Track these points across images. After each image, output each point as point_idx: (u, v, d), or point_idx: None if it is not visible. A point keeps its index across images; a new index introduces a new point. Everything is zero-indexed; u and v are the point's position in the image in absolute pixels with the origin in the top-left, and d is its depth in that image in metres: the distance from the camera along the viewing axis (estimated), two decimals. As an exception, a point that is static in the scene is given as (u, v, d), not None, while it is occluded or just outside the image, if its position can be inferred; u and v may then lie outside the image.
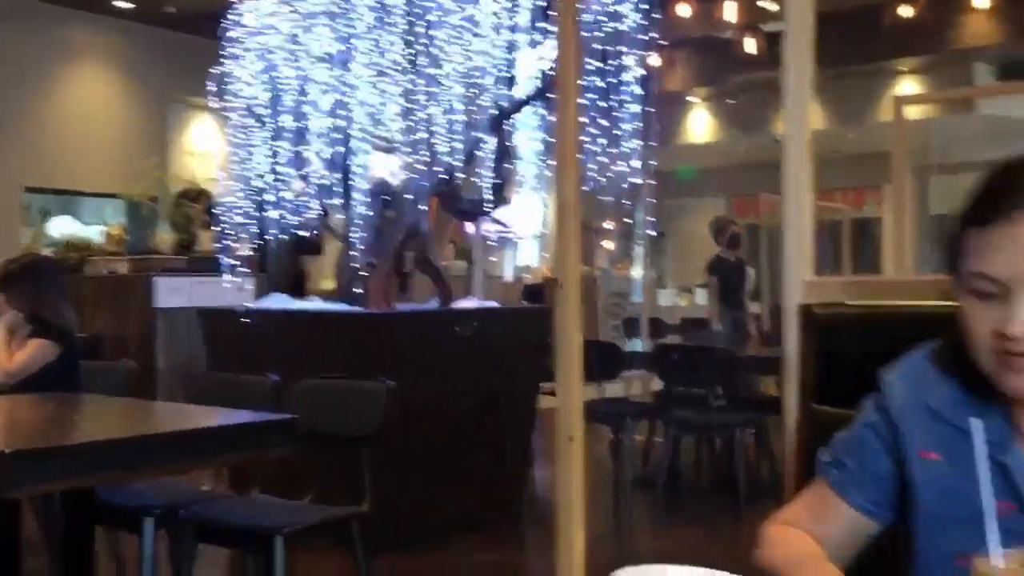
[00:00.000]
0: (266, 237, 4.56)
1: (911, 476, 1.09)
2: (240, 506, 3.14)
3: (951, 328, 1.09)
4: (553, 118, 3.11)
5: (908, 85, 10.69)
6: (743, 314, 7.09)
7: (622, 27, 4.46)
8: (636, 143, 4.51)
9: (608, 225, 13.90)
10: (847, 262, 8.50)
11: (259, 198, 4.50)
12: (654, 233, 14.55)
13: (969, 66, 10.18)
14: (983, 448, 0.80)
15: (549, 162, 4.63)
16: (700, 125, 12.42)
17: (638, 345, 6.85)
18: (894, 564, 1.18)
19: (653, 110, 4.71)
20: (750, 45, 7.67)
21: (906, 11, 7.69)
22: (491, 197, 4.57)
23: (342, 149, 4.32)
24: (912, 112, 10.48)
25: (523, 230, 7.42)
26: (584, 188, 5.21)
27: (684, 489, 5.51)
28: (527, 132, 4.86)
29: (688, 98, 12.13)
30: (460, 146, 4.34)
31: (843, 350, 1.68)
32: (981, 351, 1.04)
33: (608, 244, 14.66)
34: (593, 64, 4.41)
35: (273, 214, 4.48)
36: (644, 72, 4.68)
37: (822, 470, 1.20)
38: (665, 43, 9.80)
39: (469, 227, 7.02)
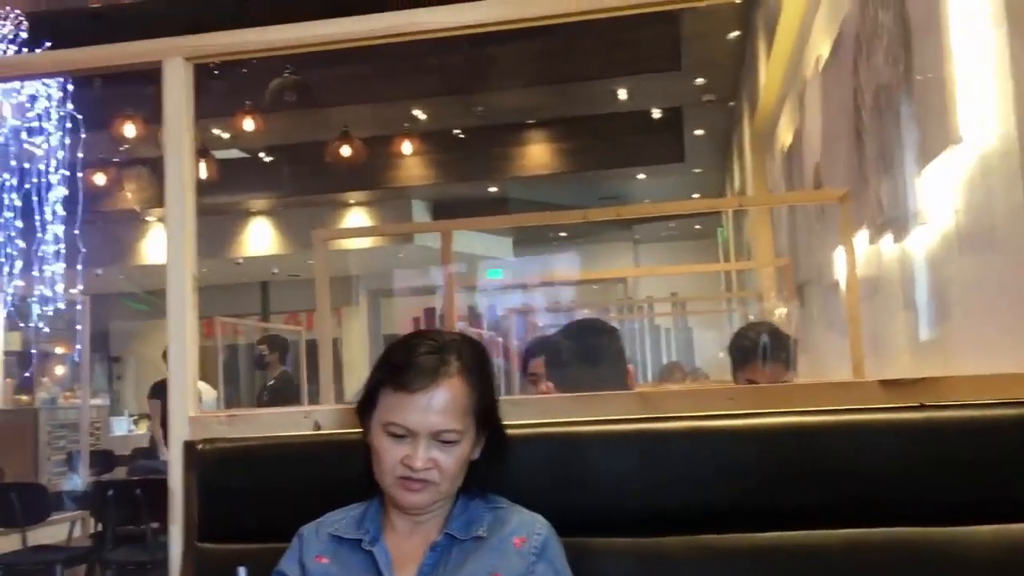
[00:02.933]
0: None
1: (309, 573, 1.42)
2: None
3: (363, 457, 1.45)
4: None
5: (357, 215, 11.57)
6: None
7: (46, 143, 4.20)
8: (61, 264, 4.22)
9: (58, 350, 12.70)
10: (303, 382, 8.75)
11: None
12: (100, 357, 13.64)
13: (408, 201, 11.37)
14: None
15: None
16: (160, 244, 12.08)
17: (77, 483, 6.25)
18: None
19: (98, 227, 4.47)
20: (200, 170, 7.70)
21: (346, 151, 8.37)
22: None
23: None
24: (362, 242, 11.37)
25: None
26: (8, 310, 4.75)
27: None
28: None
29: (147, 218, 11.77)
30: None
31: (225, 484, 1.70)
32: (387, 475, 1.40)
33: (58, 370, 13.35)
34: (10, 180, 4.08)
35: None
36: (76, 190, 4.44)
37: None
38: (114, 161, 9.49)
39: None
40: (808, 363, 4.56)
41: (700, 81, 7.83)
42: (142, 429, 11.77)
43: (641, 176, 10.84)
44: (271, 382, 6.93)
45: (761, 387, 1.62)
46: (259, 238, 12.07)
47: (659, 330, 10.16)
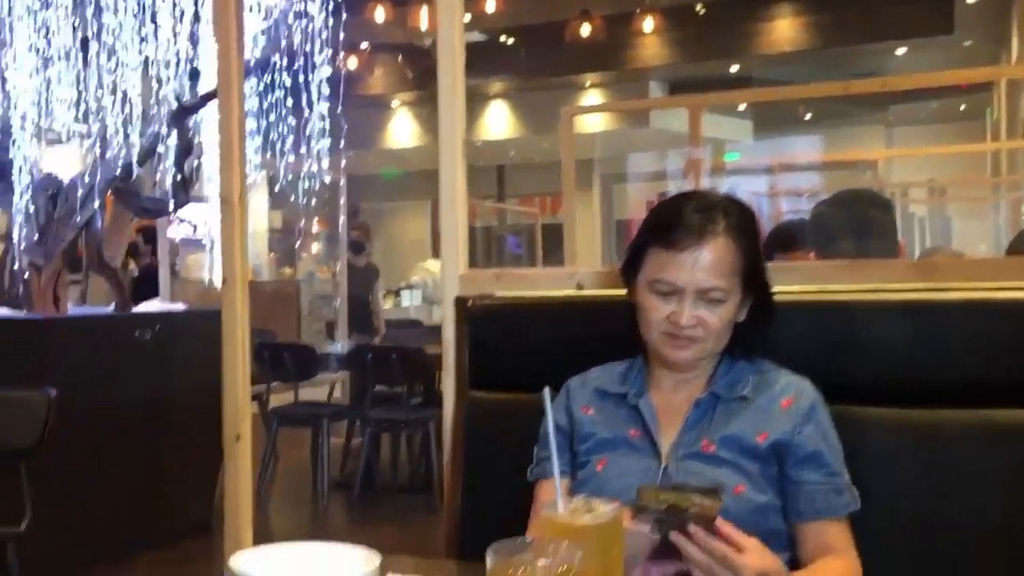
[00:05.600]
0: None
1: (577, 425, 1.48)
2: None
3: (626, 314, 1.48)
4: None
5: (593, 98, 11.49)
6: (371, 315, 7.92)
7: (311, 27, 4.43)
8: (326, 143, 4.50)
9: (314, 228, 13.72)
10: (539, 263, 8.99)
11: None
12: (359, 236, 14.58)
13: (645, 83, 11.13)
14: (551, 412, 0.93)
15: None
16: (404, 129, 12.61)
17: (338, 347, 6.83)
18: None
19: (349, 111, 4.72)
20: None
21: (586, 30, 8.26)
22: (174, 195, 4.36)
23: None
24: (598, 125, 11.32)
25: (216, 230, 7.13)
26: (278, 188, 5.16)
27: (381, 488, 5.56)
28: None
29: (392, 102, 12.28)
30: (138, 140, 4.11)
31: (494, 337, 1.80)
32: (653, 332, 1.42)
33: (314, 246, 14.46)
34: (281, 62, 4.36)
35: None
36: (337, 73, 4.68)
37: (534, 476, 1.50)
38: (364, 47, 9.89)
39: (167, 229, 6.65)
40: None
41: (977, -61, 7.03)
42: (389, 304, 12.60)
43: (900, 51, 9.98)
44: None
45: (1061, 257, 1.49)
46: (496, 121, 12.30)
47: (912, 219, 9.50)
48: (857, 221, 1.99)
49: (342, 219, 6.30)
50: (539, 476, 1.49)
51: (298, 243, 8.46)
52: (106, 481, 3.96)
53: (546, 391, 0.95)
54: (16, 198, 4.05)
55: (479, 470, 1.73)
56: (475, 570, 1.23)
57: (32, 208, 4.09)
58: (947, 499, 1.42)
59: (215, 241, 7.91)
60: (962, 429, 1.44)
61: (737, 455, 1.37)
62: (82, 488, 3.82)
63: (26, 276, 4.07)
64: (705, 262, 1.38)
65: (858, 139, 12.33)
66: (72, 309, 4.35)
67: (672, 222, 1.41)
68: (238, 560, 0.90)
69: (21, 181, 4.06)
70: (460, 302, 1.83)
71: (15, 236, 4.04)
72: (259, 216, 12.84)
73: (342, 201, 5.81)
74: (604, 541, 0.82)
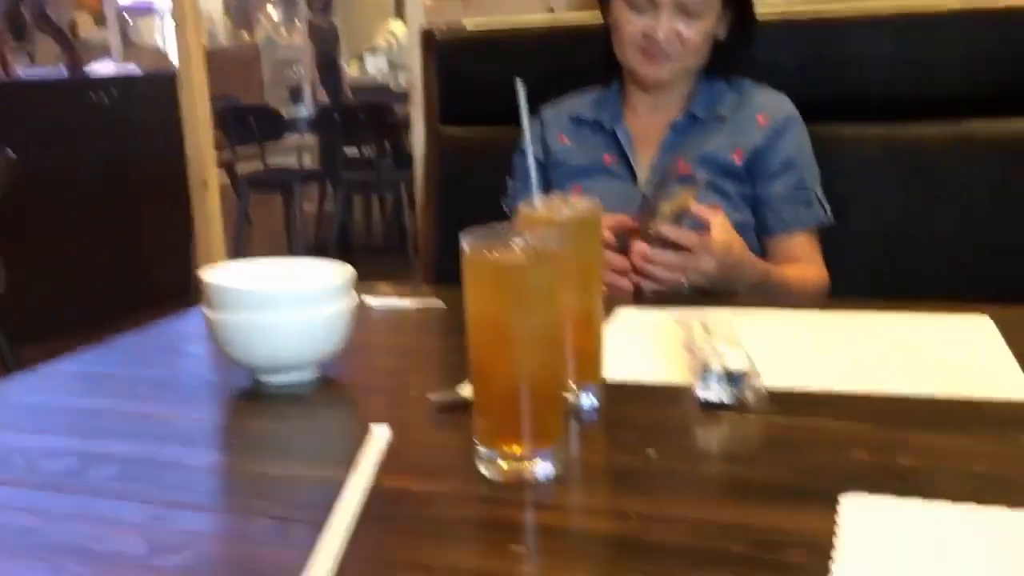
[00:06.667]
0: None
1: (552, 155, 1.46)
2: None
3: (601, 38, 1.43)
4: None
5: None
6: (339, 75, 7.87)
7: None
8: None
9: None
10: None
11: None
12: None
13: None
14: (525, 106, 0.89)
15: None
16: None
17: (303, 111, 6.65)
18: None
19: None
20: None
21: None
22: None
23: None
24: None
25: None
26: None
27: (356, 249, 5.60)
28: None
29: None
30: None
31: (464, 69, 1.73)
32: (628, 49, 1.37)
33: (271, 11, 13.79)
34: None
35: None
36: None
37: (509, 207, 1.48)
38: None
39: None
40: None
41: None
42: (354, 70, 12.19)
43: None
44: None
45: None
46: None
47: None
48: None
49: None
50: (513, 206, 1.47)
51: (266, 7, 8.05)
52: (79, 245, 3.94)
53: (518, 81, 0.90)
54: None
55: (453, 205, 1.71)
56: (449, 292, 1.23)
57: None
58: (929, 212, 1.42)
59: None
60: (944, 142, 1.42)
61: (713, 174, 1.35)
62: (56, 253, 3.81)
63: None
64: None
65: None
66: (22, 71, 4.16)
67: None
68: (210, 272, 0.87)
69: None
70: (428, 35, 1.74)
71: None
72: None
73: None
74: (583, 235, 0.80)
